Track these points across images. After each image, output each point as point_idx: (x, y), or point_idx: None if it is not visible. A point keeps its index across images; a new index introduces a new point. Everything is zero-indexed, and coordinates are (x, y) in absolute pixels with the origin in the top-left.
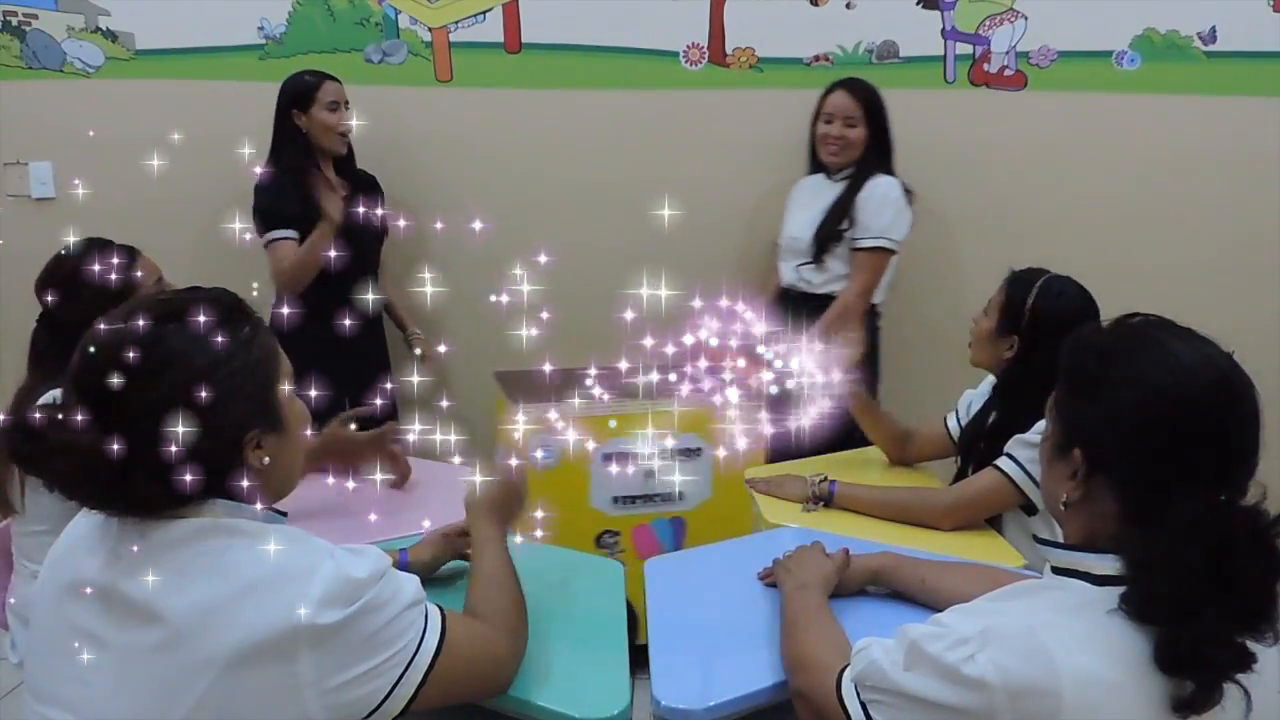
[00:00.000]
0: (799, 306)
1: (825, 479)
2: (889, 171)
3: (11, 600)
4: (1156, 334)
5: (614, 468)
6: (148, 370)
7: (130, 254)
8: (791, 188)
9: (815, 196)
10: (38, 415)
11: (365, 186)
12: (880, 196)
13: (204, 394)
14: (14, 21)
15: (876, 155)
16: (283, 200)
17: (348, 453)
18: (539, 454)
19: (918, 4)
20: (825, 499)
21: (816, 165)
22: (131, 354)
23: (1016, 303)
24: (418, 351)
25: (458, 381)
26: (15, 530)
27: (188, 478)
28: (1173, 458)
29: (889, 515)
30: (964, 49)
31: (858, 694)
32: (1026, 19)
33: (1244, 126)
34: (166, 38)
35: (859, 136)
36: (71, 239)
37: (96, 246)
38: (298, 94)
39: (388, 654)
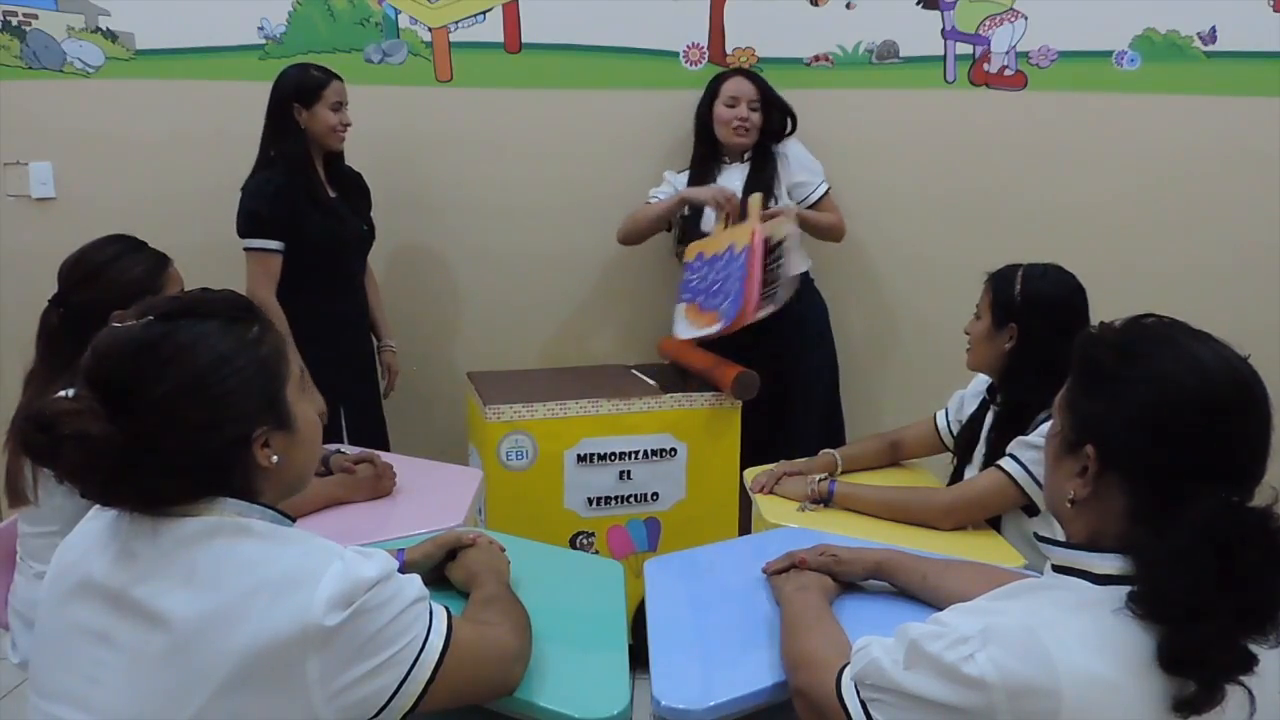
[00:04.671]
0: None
1: (825, 478)
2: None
3: (12, 600)
4: (1174, 334)
5: (588, 469)
6: (156, 364)
7: (160, 261)
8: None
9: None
10: (49, 406)
11: (353, 186)
12: (797, 153)
13: (211, 389)
14: (14, 21)
15: (769, 138)
16: (274, 206)
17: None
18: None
19: (918, 4)
20: (824, 499)
21: (704, 157)
22: (141, 348)
23: (1005, 294)
24: (386, 365)
25: (445, 381)
26: (22, 530)
27: (193, 472)
28: (1189, 457)
29: (888, 515)
30: (964, 49)
31: (857, 692)
32: (1026, 19)
33: (1244, 126)
34: (166, 38)
35: (760, 121)
36: (67, 238)
37: (130, 247)
38: (302, 89)
39: (392, 651)
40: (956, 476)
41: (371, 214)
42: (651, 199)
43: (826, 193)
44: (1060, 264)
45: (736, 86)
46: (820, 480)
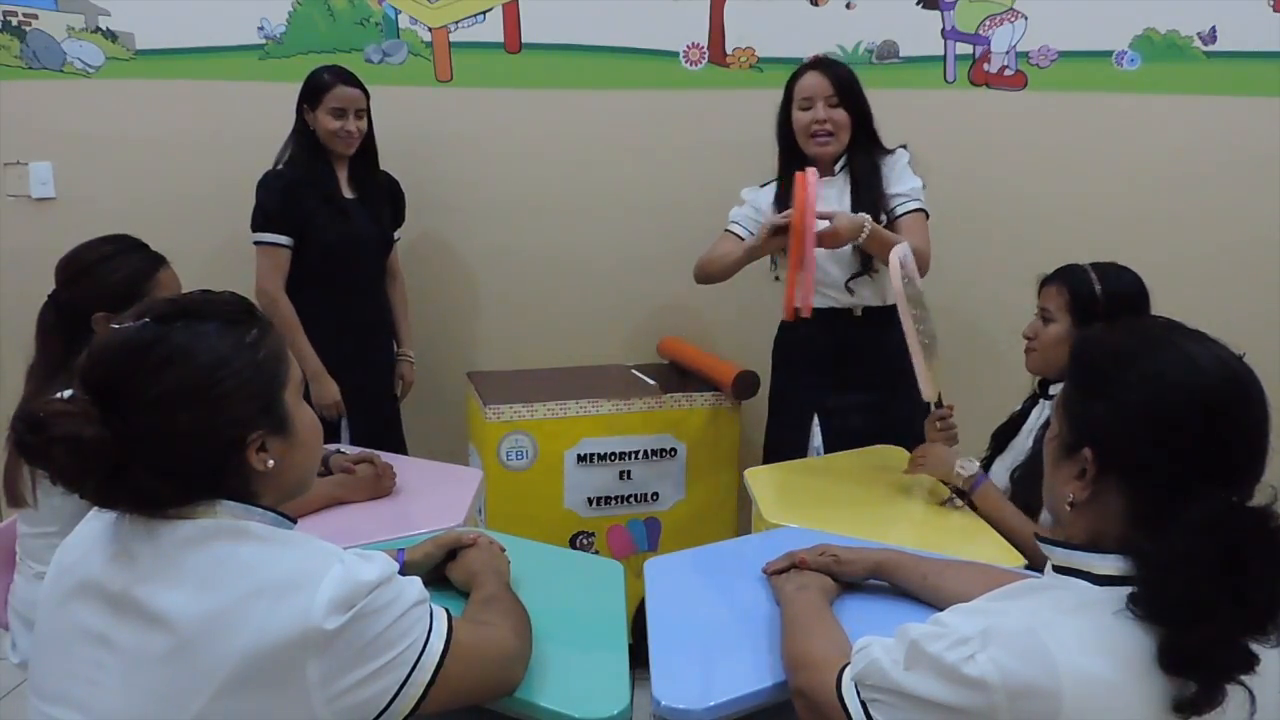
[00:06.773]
0: (857, 327)
1: (977, 471)
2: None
3: (12, 600)
4: (1168, 334)
5: (588, 469)
6: (150, 365)
7: (153, 262)
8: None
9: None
10: (42, 406)
11: (381, 191)
12: (903, 164)
13: (205, 391)
14: (14, 21)
15: (865, 142)
16: (281, 201)
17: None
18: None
19: (918, 4)
20: (968, 490)
21: (789, 167)
22: (136, 349)
23: (1085, 296)
24: (400, 375)
25: (445, 381)
26: (22, 531)
27: (188, 474)
28: (1187, 457)
29: (1010, 537)
30: (964, 49)
31: (858, 693)
32: (1026, 19)
33: (1244, 126)
34: (166, 38)
35: (844, 119)
36: (66, 238)
37: (125, 248)
38: (308, 90)
39: (392, 654)
40: (986, 467)
41: (402, 221)
42: (730, 225)
43: (911, 212)
44: (1060, 264)
45: (808, 84)
46: (971, 474)
